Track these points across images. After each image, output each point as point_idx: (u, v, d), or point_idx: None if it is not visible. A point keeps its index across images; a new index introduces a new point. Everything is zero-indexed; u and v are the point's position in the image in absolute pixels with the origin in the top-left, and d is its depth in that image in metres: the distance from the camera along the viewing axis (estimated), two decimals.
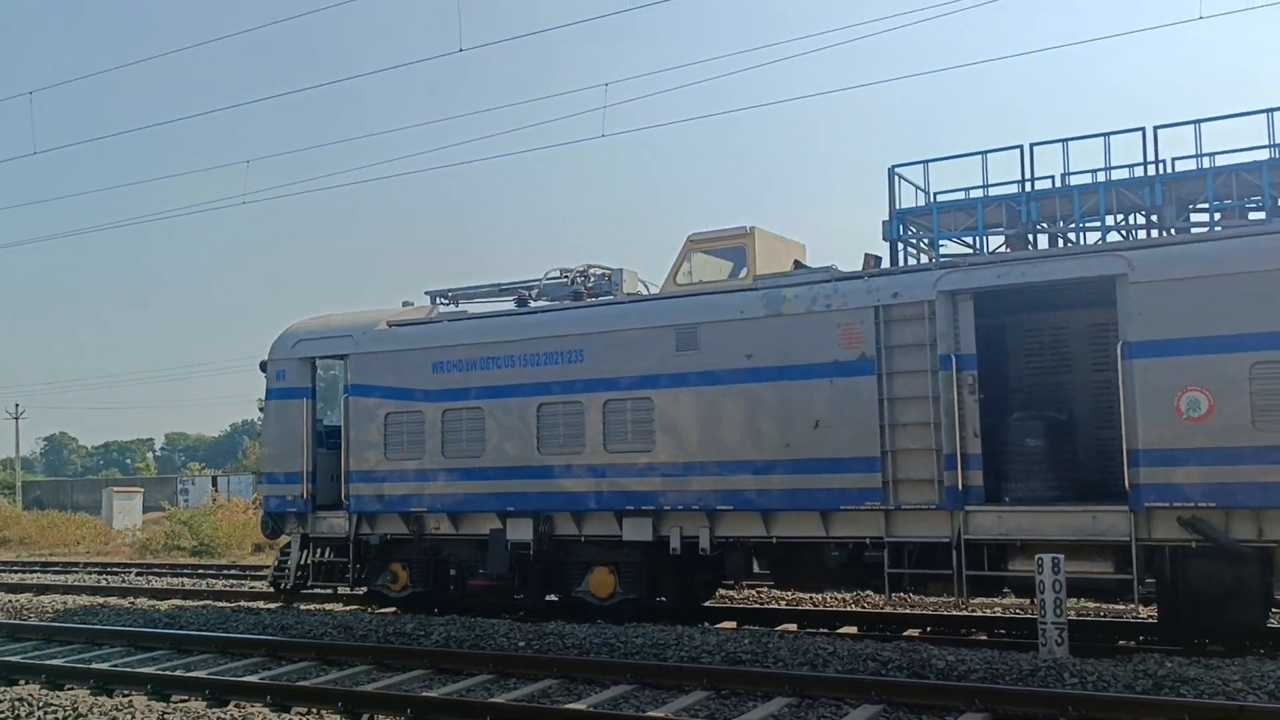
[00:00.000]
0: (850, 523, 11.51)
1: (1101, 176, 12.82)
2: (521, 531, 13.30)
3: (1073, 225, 12.86)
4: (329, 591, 15.76)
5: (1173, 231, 12.77)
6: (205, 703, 9.23)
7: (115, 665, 10.84)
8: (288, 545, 15.33)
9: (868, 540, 11.46)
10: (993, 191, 13.50)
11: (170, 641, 11.91)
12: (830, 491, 11.49)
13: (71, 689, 9.98)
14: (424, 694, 8.85)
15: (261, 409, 17.82)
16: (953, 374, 10.95)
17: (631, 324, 12.82)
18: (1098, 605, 13.10)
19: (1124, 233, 13.63)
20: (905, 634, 11.90)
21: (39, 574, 23.32)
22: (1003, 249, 13.40)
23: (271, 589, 15.77)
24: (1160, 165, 12.33)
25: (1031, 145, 13.28)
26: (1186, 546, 10.09)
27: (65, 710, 8.79)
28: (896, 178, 13.58)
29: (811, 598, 14.84)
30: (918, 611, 13.52)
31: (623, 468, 12.66)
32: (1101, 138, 12.77)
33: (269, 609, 14.41)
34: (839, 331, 11.54)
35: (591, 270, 14.69)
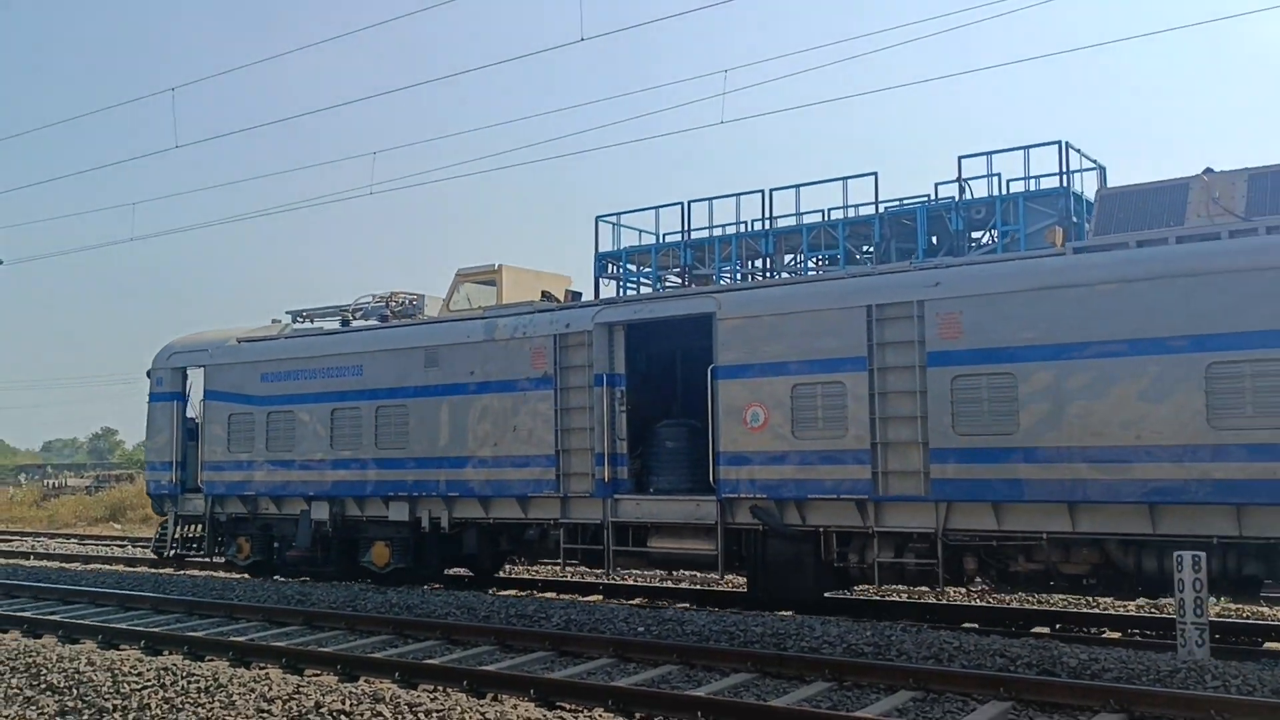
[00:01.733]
0: (539, 507, 14.32)
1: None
2: (321, 512, 16.39)
3: (721, 269, 15.36)
4: (205, 559, 19.09)
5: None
6: (337, 677, 9.48)
7: (252, 639, 11.19)
8: (165, 523, 18.72)
9: (552, 521, 14.26)
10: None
11: (303, 618, 12.25)
12: (524, 482, 14.31)
13: (212, 660, 10.42)
14: (546, 675, 8.97)
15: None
16: (603, 390, 13.68)
17: (394, 345, 15.78)
18: (1238, 606, 13.08)
19: (750, 275, 16.01)
20: (1033, 630, 11.84)
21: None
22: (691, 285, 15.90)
23: (155, 556, 19.22)
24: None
25: (690, 201, 15.86)
26: (757, 529, 12.70)
27: (207, 680, 9.05)
28: (599, 223, 16.30)
29: (935, 593, 14.49)
30: (1045, 608, 13.52)
31: (388, 461, 15.64)
32: (733, 197, 15.31)
33: (396, 589, 14.97)
34: (531, 354, 14.33)
35: (397, 296, 17.68)
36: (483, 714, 7.70)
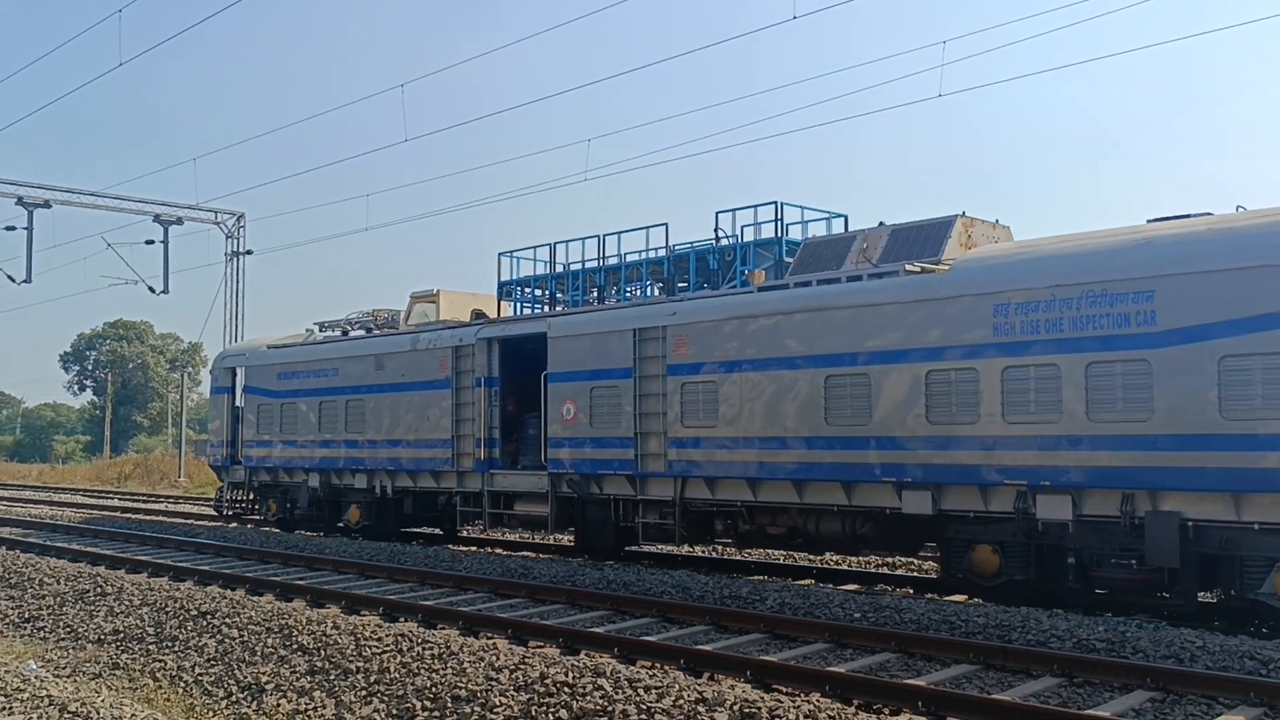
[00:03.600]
0: (445, 479, 18.71)
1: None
2: (315, 482, 21.34)
3: (574, 298, 19.14)
4: (257, 517, 24.42)
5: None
6: (559, 650, 9.72)
7: (479, 610, 11.60)
8: (222, 487, 24.21)
9: (453, 490, 18.63)
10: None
11: (525, 591, 12.77)
12: (434, 460, 18.74)
13: (444, 628, 10.76)
14: (762, 657, 9.00)
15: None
16: (483, 389, 17.93)
17: (358, 353, 20.50)
18: None
19: (588, 303, 19.55)
20: None
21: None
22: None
23: (216, 514, 24.79)
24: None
25: (555, 243, 19.69)
26: (574, 497, 16.67)
27: (440, 647, 9.34)
28: (501, 258, 20.48)
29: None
30: None
31: (353, 443, 20.40)
32: (579, 241, 19.06)
33: (610, 565, 15.85)
34: (439, 362, 18.72)
35: (380, 312, 22.42)
36: (700, 693, 7.68)
